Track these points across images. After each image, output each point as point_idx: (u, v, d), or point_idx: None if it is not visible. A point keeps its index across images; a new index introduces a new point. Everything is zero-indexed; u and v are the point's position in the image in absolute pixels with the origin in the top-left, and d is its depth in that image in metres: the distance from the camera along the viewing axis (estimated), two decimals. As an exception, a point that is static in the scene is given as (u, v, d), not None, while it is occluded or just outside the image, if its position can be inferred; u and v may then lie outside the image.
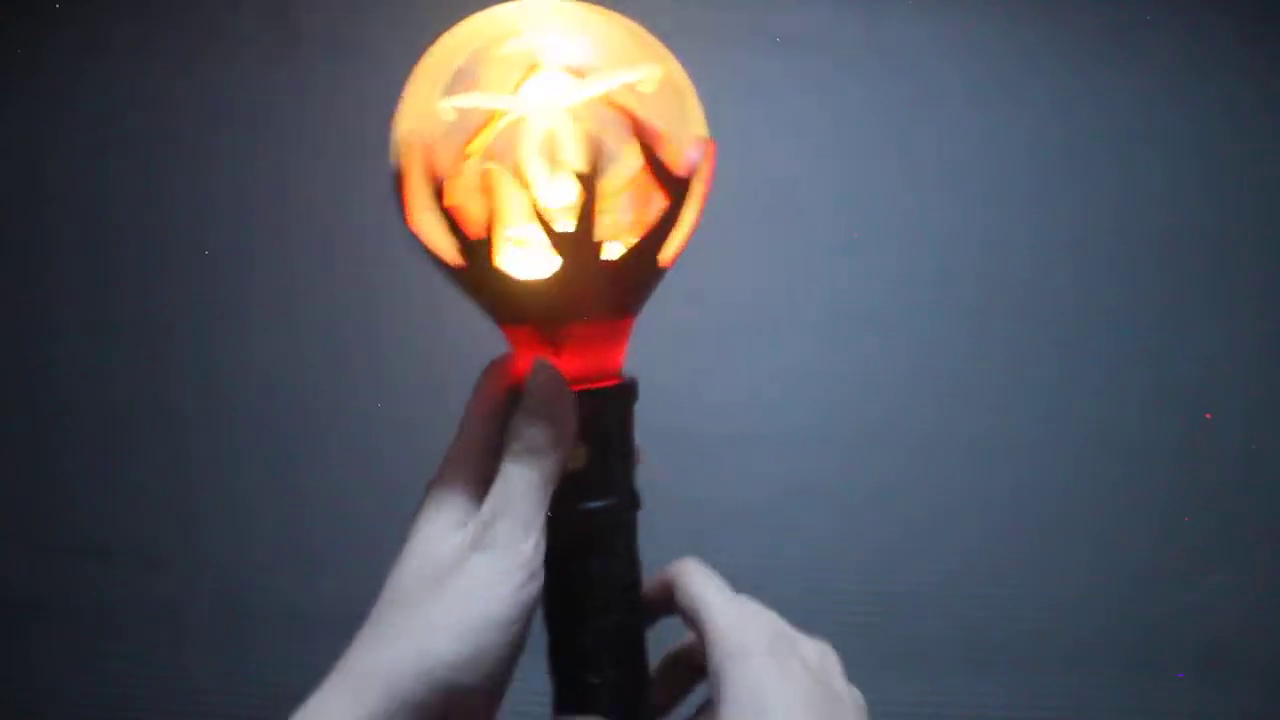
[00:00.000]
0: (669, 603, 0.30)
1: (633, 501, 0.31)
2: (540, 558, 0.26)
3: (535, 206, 0.26)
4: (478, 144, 0.26)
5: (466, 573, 0.25)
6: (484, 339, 0.66)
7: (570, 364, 0.28)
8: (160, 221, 0.66)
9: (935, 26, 0.67)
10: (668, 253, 0.28)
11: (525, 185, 0.26)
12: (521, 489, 0.26)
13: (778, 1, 0.68)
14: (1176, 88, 0.66)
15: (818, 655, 0.29)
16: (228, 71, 0.68)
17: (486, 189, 0.26)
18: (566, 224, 0.26)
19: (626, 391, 0.30)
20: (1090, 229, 0.63)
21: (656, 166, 0.26)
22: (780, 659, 0.27)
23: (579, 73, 0.26)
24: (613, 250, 0.27)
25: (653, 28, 0.32)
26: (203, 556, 0.60)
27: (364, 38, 0.69)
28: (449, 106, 0.27)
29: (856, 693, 0.30)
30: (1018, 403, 0.61)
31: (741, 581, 0.60)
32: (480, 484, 0.27)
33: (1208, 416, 0.60)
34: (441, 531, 0.27)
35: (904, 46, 0.67)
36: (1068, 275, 0.63)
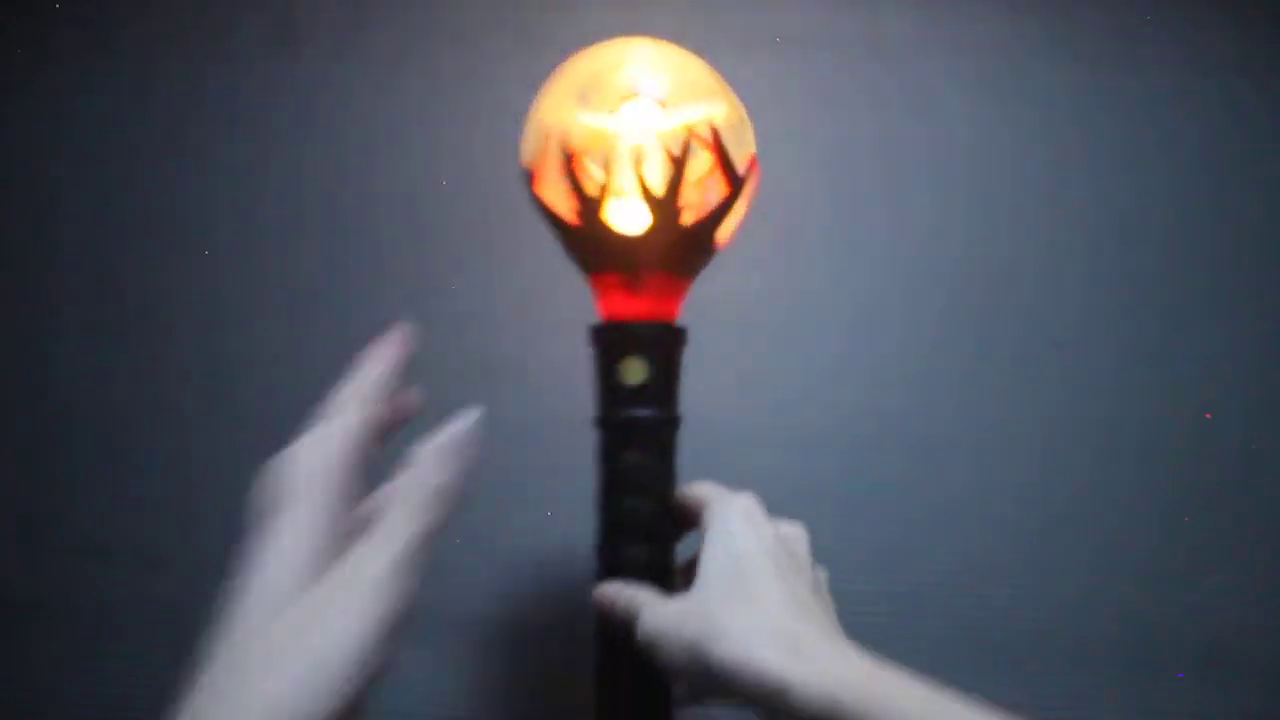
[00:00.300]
0: (687, 514, 0.38)
1: (674, 419, 0.40)
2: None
3: (641, 178, 0.37)
4: (597, 138, 0.38)
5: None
6: (483, 339, 0.66)
7: (643, 305, 0.39)
8: (161, 222, 0.66)
9: (936, 26, 0.67)
10: (723, 233, 0.40)
11: (637, 165, 0.37)
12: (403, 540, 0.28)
13: (778, 1, 0.68)
14: (1178, 88, 0.66)
15: (789, 528, 0.38)
16: (229, 72, 0.69)
17: (605, 164, 0.37)
18: (659, 190, 0.37)
19: (680, 333, 0.40)
20: (1091, 229, 0.63)
21: (725, 164, 0.38)
22: (754, 520, 0.35)
23: (671, 101, 0.39)
24: (686, 219, 0.38)
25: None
26: (203, 556, 0.60)
27: (365, 40, 0.69)
28: (581, 118, 0.39)
29: (822, 569, 0.40)
30: (1018, 403, 0.61)
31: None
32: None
33: (1208, 416, 0.60)
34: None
35: (904, 46, 0.67)
36: (1068, 275, 0.63)
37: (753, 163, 0.41)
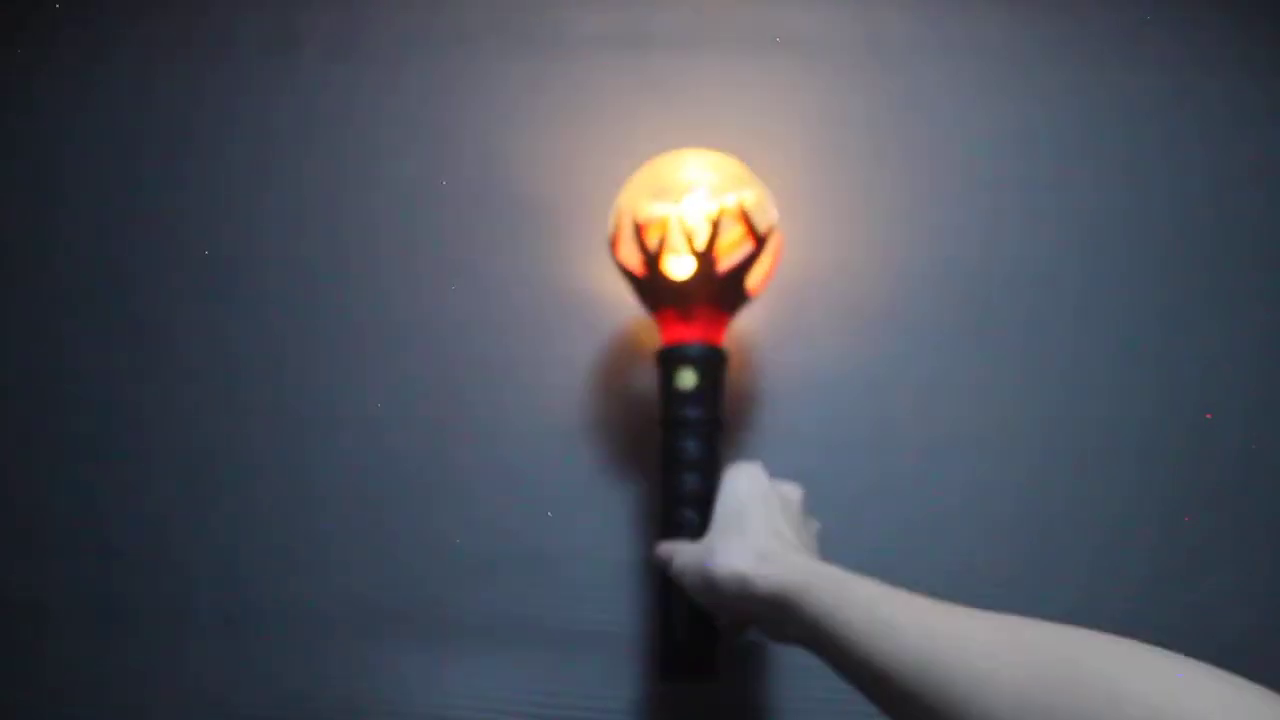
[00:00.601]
0: None
1: (717, 421, 0.51)
2: None
3: (689, 238, 0.51)
4: (659, 219, 0.52)
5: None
6: (482, 340, 0.66)
7: (694, 331, 0.52)
8: (161, 222, 0.66)
9: (937, 25, 0.67)
10: (752, 281, 0.52)
11: (686, 231, 0.51)
12: None
13: (778, 1, 0.68)
14: (1178, 88, 0.66)
15: (786, 485, 0.49)
16: (230, 73, 0.69)
17: (664, 233, 0.51)
18: (699, 246, 0.51)
19: (723, 353, 0.52)
20: (1091, 228, 0.63)
21: (751, 230, 0.51)
22: (752, 477, 0.47)
23: (714, 189, 0.53)
24: (721, 267, 0.51)
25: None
26: (206, 556, 0.60)
27: (366, 43, 0.69)
28: (648, 205, 0.52)
29: (816, 520, 0.51)
30: (1018, 403, 0.61)
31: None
32: None
33: (1208, 416, 0.60)
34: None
35: (904, 45, 0.67)
36: (1068, 275, 0.63)
37: (772, 229, 0.53)
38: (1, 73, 0.69)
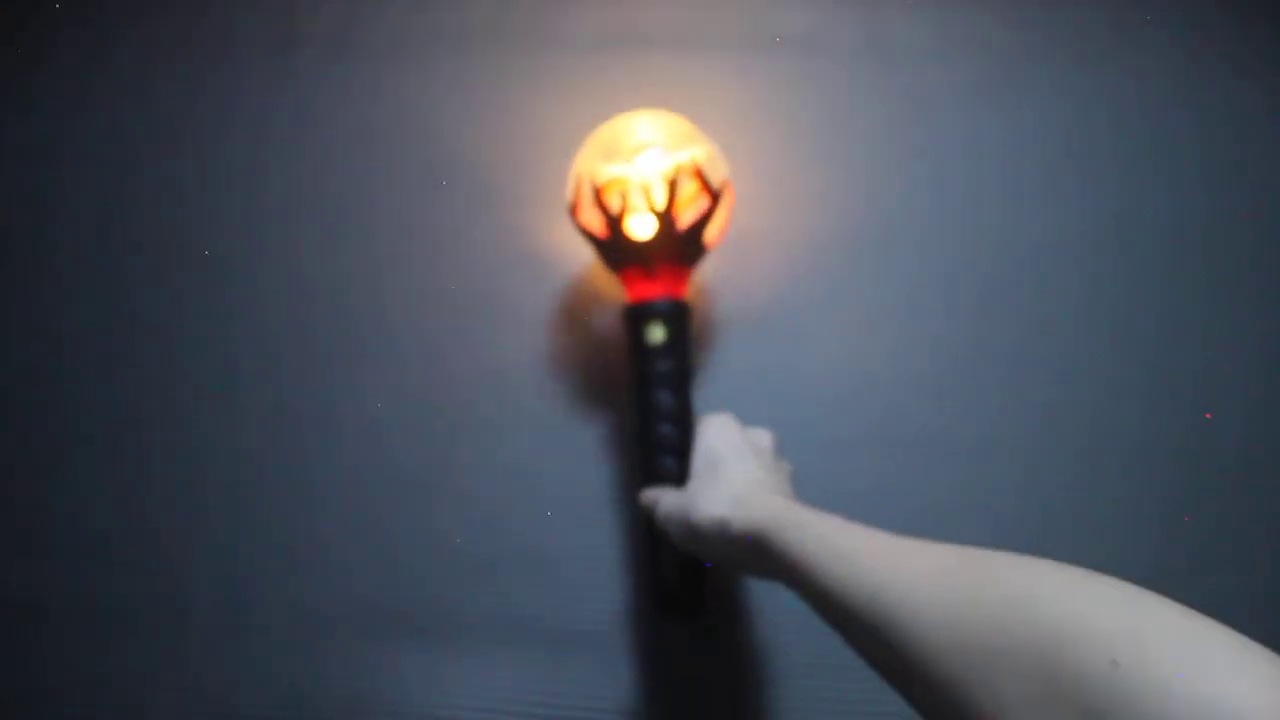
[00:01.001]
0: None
1: (688, 369, 0.54)
2: None
3: (649, 200, 0.52)
4: (616, 180, 0.54)
5: None
6: (480, 340, 0.66)
7: (658, 287, 0.54)
8: (162, 223, 0.66)
9: (935, 25, 0.67)
10: (709, 235, 0.54)
11: (645, 191, 0.53)
12: None
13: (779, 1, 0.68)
14: (1178, 87, 0.66)
15: (757, 431, 0.52)
16: (230, 72, 0.69)
17: (623, 193, 0.53)
18: (659, 205, 0.53)
19: (687, 306, 0.54)
20: (1091, 228, 0.64)
21: (706, 185, 0.53)
22: (724, 427, 0.50)
23: (666, 147, 0.55)
24: (681, 223, 0.53)
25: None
26: (205, 556, 0.60)
27: (365, 40, 0.69)
28: (604, 168, 0.54)
29: (789, 463, 0.52)
30: (1018, 403, 0.61)
31: (742, 579, 0.60)
32: None
33: (1208, 416, 0.60)
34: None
35: (902, 45, 0.67)
36: (1068, 275, 0.63)
37: (726, 184, 0.55)
38: (1, 73, 0.69)
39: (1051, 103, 0.66)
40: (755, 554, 0.41)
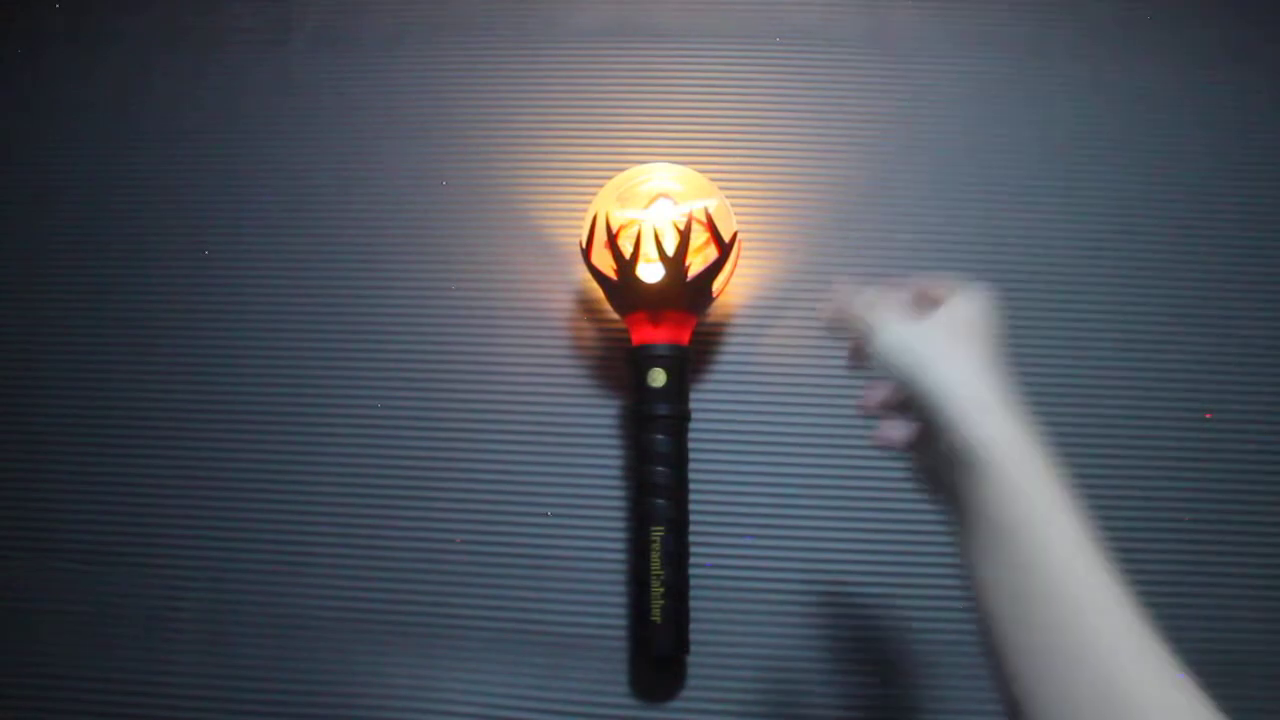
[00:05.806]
0: (928, 297, 0.45)
1: (686, 414, 0.56)
2: None
3: (659, 246, 0.54)
4: (630, 224, 0.56)
5: None
6: (477, 341, 0.66)
7: (661, 333, 0.56)
8: (161, 224, 0.66)
9: (942, 21, 0.67)
10: (717, 285, 0.57)
11: (657, 237, 0.55)
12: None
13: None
14: (1180, 85, 0.66)
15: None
16: (229, 71, 0.69)
17: (635, 239, 0.55)
18: (670, 253, 0.55)
19: (689, 353, 0.57)
20: (1091, 227, 0.63)
21: (715, 237, 0.56)
22: (981, 305, 0.44)
23: (677, 199, 0.58)
24: (690, 272, 0.55)
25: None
26: (205, 556, 0.60)
27: (364, 38, 0.69)
28: (620, 214, 0.57)
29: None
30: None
31: (742, 579, 0.60)
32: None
33: (1208, 416, 0.60)
34: None
35: (908, 40, 0.67)
36: (1068, 274, 0.63)
37: (735, 237, 0.57)
38: (1, 73, 0.70)
39: (1052, 100, 0.66)
40: (958, 458, 0.38)
